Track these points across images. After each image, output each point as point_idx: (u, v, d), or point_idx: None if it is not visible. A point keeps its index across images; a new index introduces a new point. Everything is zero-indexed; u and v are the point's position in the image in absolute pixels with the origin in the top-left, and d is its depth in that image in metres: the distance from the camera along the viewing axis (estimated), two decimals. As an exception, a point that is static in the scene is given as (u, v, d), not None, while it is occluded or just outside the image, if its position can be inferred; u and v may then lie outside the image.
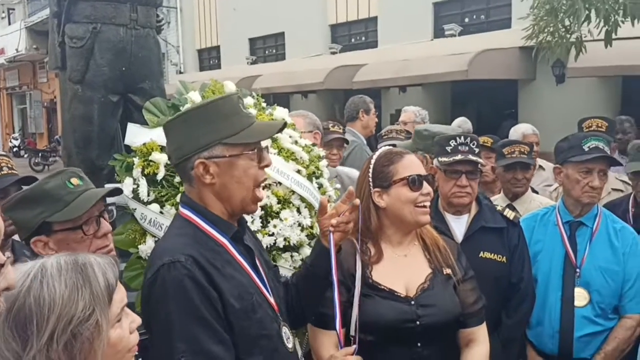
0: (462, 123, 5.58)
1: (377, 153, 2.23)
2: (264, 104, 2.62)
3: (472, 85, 12.14)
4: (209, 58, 21.38)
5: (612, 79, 10.54)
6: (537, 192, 3.83)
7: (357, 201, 1.89)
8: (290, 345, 1.79)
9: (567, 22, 5.96)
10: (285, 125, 1.85)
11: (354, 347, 1.80)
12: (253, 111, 2.50)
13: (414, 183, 2.10)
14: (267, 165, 1.76)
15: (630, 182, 3.46)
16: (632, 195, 3.41)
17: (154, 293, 1.61)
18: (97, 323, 1.21)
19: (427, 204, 2.13)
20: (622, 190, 3.72)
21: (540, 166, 4.68)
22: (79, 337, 1.19)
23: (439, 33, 13.48)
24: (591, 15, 5.65)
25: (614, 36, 5.79)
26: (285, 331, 1.81)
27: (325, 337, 2.05)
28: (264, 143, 1.81)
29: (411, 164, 2.15)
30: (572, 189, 2.76)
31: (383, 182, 2.14)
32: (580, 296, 2.72)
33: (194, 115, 1.71)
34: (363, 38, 15.85)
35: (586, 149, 2.71)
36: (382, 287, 2.09)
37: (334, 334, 1.91)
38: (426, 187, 2.13)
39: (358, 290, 2.03)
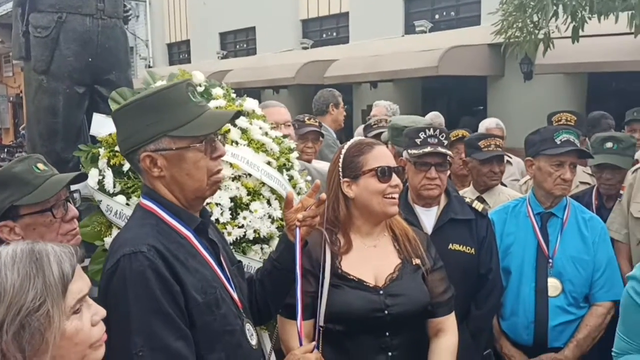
0: (434, 117, 5.62)
1: (348, 143, 2.22)
2: (233, 95, 2.59)
3: (442, 81, 12.24)
4: (179, 52, 21.14)
5: (579, 76, 10.73)
6: (505, 186, 3.87)
7: (324, 195, 1.87)
8: (254, 342, 1.76)
9: (535, 18, 6.04)
10: (239, 114, 1.79)
11: (313, 344, 1.77)
12: (222, 102, 2.47)
13: (383, 174, 2.10)
14: (220, 156, 1.69)
15: (594, 174, 3.52)
16: (595, 188, 3.47)
17: (113, 284, 1.55)
18: (47, 314, 1.17)
19: (396, 195, 2.13)
20: (589, 183, 3.78)
21: (508, 161, 4.74)
22: (28, 327, 1.15)
23: (409, 29, 13.55)
24: (559, 11, 5.74)
25: (581, 33, 5.89)
26: (249, 328, 1.77)
27: (294, 329, 2.04)
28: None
29: (381, 155, 2.15)
30: (544, 181, 2.78)
31: (352, 172, 2.14)
32: (554, 286, 2.75)
33: (140, 104, 1.64)
34: (334, 33, 15.85)
35: (558, 142, 2.73)
36: (351, 277, 2.08)
37: (303, 324, 1.89)
38: (395, 179, 2.12)
39: (327, 281, 2.02)
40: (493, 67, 11.67)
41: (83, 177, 1.95)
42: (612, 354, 2.16)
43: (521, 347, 2.80)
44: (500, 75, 11.83)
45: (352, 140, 2.25)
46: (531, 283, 2.77)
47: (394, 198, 2.12)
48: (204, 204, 1.82)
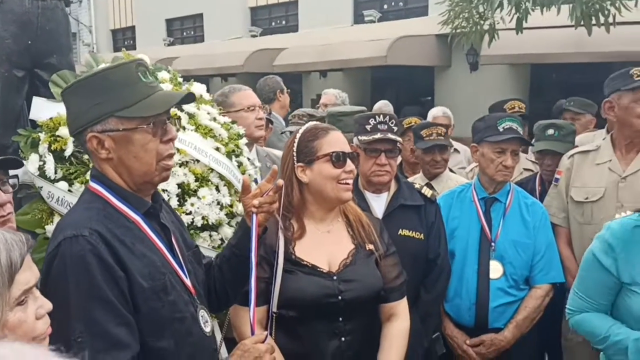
0: (383, 106, 5.66)
1: (303, 128, 2.21)
2: (180, 79, 2.54)
3: (391, 70, 12.35)
4: (124, 39, 20.59)
5: (522, 67, 11.01)
6: (454, 172, 3.94)
7: (281, 181, 1.85)
8: (207, 329, 1.73)
9: (481, 9, 6.15)
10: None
11: (265, 333, 1.74)
12: (168, 87, 2.41)
13: (338, 159, 2.09)
14: (171, 139, 1.64)
15: (537, 160, 3.62)
16: (538, 175, 3.57)
17: (53, 268, 1.50)
18: None
19: (350, 181, 2.13)
20: (532, 170, 3.88)
21: (455, 149, 4.83)
22: None
23: (358, 19, 13.60)
24: (504, 2, 5.85)
25: (525, 25, 6.02)
26: (203, 314, 1.74)
27: (247, 316, 2.02)
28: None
29: (336, 141, 2.14)
30: (487, 167, 2.85)
31: (307, 157, 2.13)
32: (495, 269, 2.82)
33: (88, 83, 1.59)
34: (283, 22, 15.75)
35: (501, 130, 2.80)
36: (305, 262, 2.08)
37: (257, 311, 1.87)
38: (349, 165, 2.12)
39: (280, 267, 2.01)
40: (440, 58, 11.85)
41: (16, 162, 1.85)
42: (567, 311, 2.24)
43: (463, 328, 2.87)
44: (447, 66, 12.02)
45: (307, 125, 2.24)
46: (474, 266, 2.84)
47: (347, 184, 2.12)
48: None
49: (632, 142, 2.87)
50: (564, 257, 2.94)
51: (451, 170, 3.83)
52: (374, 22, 13.01)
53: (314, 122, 2.33)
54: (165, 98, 1.64)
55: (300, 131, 2.19)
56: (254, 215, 1.81)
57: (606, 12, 5.53)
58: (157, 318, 1.57)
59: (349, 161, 2.12)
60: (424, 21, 11.62)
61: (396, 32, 11.50)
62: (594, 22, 5.56)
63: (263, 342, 1.69)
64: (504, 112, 4.01)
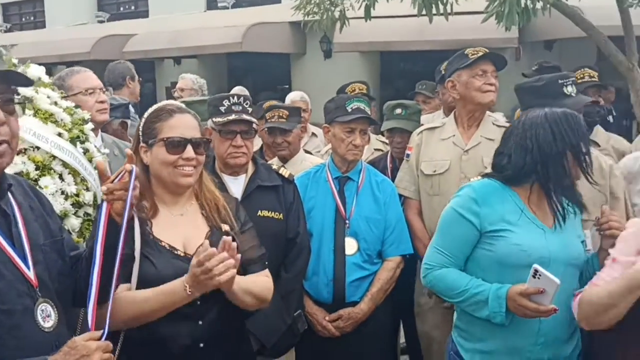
0: (238, 92, 5.61)
1: (154, 106, 2.14)
2: (15, 61, 2.34)
3: (247, 57, 12.30)
4: (-49, 24, 18.58)
5: (372, 54, 11.47)
6: (311, 154, 4.01)
7: (128, 166, 1.74)
8: (47, 325, 1.61)
9: (331, -5, 6.32)
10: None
11: (100, 332, 1.58)
12: (0, 68, 2.21)
13: (172, 145, 2.03)
14: None
15: (387, 139, 3.80)
16: (389, 153, 3.75)
17: None
18: None
19: (189, 168, 2.06)
20: (382, 150, 4.05)
21: (314, 133, 4.94)
22: None
23: (211, 5, 13.38)
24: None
25: (375, 13, 6.27)
26: (45, 308, 1.62)
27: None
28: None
29: (178, 125, 2.06)
30: (338, 147, 2.94)
31: (148, 138, 2.07)
32: (350, 245, 2.93)
33: None
34: (132, 7, 15.09)
35: (349, 110, 2.89)
36: (162, 245, 2.02)
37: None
38: (188, 152, 2.04)
39: (137, 250, 1.92)
40: (296, 45, 12.01)
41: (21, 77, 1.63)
42: (424, 267, 2.31)
43: (322, 304, 2.94)
44: (302, 53, 12.21)
45: (159, 104, 2.16)
46: (330, 243, 2.92)
47: (186, 170, 2.06)
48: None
49: (473, 116, 3.08)
50: (415, 227, 3.10)
51: (307, 152, 3.90)
52: (228, 8, 12.86)
53: (165, 102, 2.25)
54: None
55: (150, 110, 2.12)
56: (104, 203, 1.71)
57: (445, 1, 5.90)
58: None
59: (189, 148, 2.04)
60: (277, 8, 11.68)
61: (250, 19, 11.46)
62: (434, 11, 5.90)
63: (100, 338, 1.56)
64: (352, 94, 4.16)
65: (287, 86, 12.57)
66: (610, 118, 4.45)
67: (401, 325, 3.67)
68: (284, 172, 2.85)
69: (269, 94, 12.19)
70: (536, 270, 1.98)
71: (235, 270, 1.90)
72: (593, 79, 3.68)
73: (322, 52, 11.62)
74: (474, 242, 2.21)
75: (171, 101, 2.36)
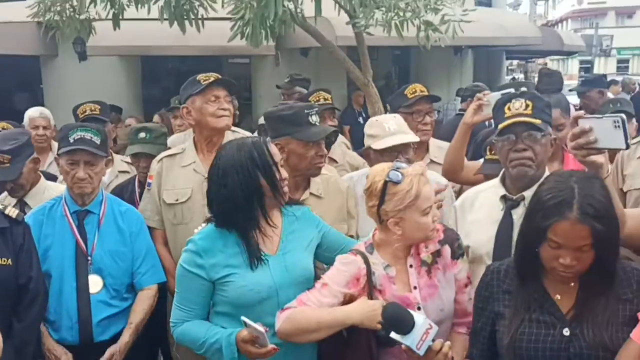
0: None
1: None
2: None
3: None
4: None
5: (133, 59, 11.08)
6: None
7: None
8: None
9: (75, 3, 5.97)
10: None
11: None
12: None
13: None
14: None
15: (133, 164, 3.69)
16: (136, 178, 3.66)
17: None
18: None
19: None
20: (128, 172, 3.92)
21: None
22: None
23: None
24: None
25: (131, 16, 6.07)
26: None
27: None
28: None
29: None
30: (65, 179, 2.82)
31: None
32: (94, 283, 2.79)
33: None
34: None
35: (72, 140, 2.75)
36: None
37: None
38: None
39: None
40: (45, 47, 11.01)
41: None
42: (171, 324, 2.34)
43: (69, 347, 2.77)
44: (54, 55, 11.27)
45: None
46: (72, 283, 2.76)
47: None
48: None
49: (211, 142, 3.11)
50: (162, 257, 3.06)
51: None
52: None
53: None
54: None
55: None
56: None
57: (195, 11, 5.94)
58: None
59: None
60: (21, 7, 10.62)
61: (-11, 17, 10.29)
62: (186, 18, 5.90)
63: None
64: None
65: (41, 86, 11.61)
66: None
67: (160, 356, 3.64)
68: (12, 212, 2.62)
69: (23, 96, 11.15)
70: (244, 322, 2.11)
71: None
72: (327, 102, 3.98)
73: (77, 54, 10.87)
74: (209, 292, 2.28)
75: None
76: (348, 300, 2.16)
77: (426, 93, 3.47)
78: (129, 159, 3.75)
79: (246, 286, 2.22)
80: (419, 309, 2.18)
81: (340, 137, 4.30)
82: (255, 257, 2.24)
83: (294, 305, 2.17)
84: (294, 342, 2.17)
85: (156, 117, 6.60)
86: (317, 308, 2.14)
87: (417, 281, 2.22)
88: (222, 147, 2.35)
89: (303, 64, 10.88)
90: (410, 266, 2.23)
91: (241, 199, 2.21)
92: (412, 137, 2.87)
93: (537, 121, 2.31)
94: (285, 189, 2.31)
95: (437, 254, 2.24)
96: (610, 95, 7.47)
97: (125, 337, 2.82)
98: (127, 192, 3.57)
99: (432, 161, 3.38)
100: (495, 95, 2.85)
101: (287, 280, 2.27)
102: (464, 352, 2.22)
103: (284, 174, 2.31)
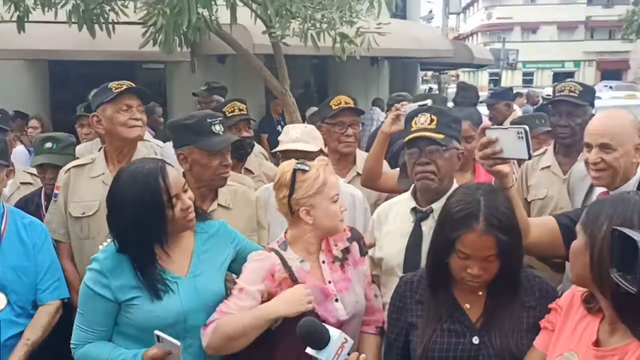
0: None
1: None
2: None
3: None
4: None
5: (40, 63, 10.60)
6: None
7: None
8: None
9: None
10: None
11: None
12: None
13: None
14: None
15: (39, 175, 3.53)
16: (42, 190, 3.49)
17: None
18: None
19: None
20: (31, 183, 3.75)
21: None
22: None
23: None
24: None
25: (37, 19, 5.77)
26: None
27: None
28: None
29: None
30: None
31: None
32: None
33: None
34: None
35: None
36: None
37: None
38: None
39: None
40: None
41: None
42: (72, 345, 2.23)
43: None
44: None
45: None
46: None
47: None
48: None
49: (122, 152, 3.01)
50: (68, 272, 2.93)
51: None
52: None
53: None
54: None
55: None
56: None
57: (106, 15, 5.76)
58: None
59: None
60: None
61: None
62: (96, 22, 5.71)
63: None
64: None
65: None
66: None
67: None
68: None
69: None
70: (158, 336, 2.05)
71: None
72: (242, 112, 3.97)
73: (-24, 57, 10.26)
74: (114, 312, 2.19)
75: None
76: (267, 299, 2.17)
77: (351, 105, 3.51)
78: (32, 170, 3.56)
79: (152, 312, 2.14)
80: (337, 300, 2.25)
81: (258, 148, 4.28)
82: (154, 290, 2.15)
83: (216, 318, 2.14)
84: (224, 354, 2.14)
85: (33, 122, 6.35)
86: (240, 313, 2.12)
87: (330, 276, 2.29)
88: (118, 175, 2.22)
89: (220, 71, 10.75)
90: (323, 262, 2.30)
91: (135, 235, 2.12)
92: (309, 147, 3.00)
93: (440, 136, 2.38)
94: (190, 215, 2.22)
95: (346, 250, 2.35)
96: (516, 107, 7.86)
97: (19, 354, 2.60)
98: (32, 205, 3.40)
99: (358, 174, 3.41)
100: (412, 107, 2.93)
101: (197, 305, 2.21)
102: (378, 349, 2.31)
103: (187, 202, 2.19)
